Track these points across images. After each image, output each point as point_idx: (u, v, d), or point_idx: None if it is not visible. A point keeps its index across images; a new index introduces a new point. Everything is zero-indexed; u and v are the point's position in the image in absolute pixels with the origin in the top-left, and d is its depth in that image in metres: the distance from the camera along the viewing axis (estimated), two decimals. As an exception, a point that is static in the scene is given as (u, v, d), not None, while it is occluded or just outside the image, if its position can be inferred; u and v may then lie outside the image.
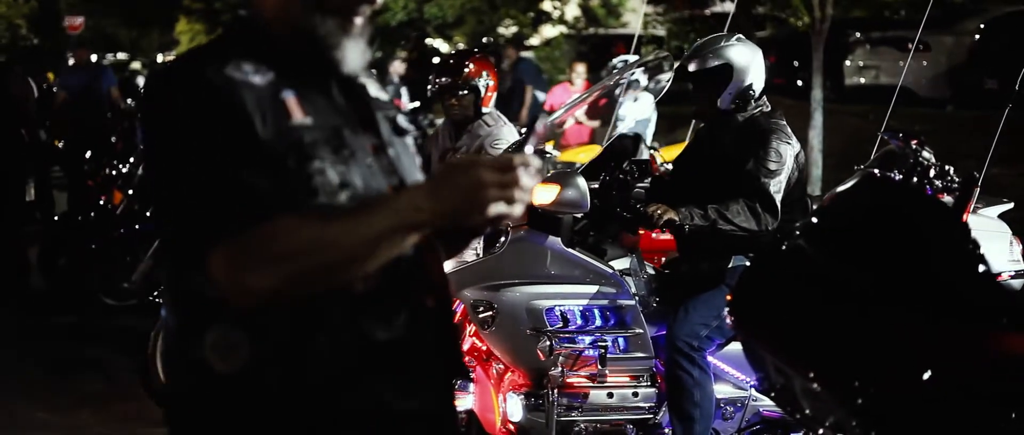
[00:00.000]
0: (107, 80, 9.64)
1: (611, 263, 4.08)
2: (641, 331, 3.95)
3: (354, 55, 1.73)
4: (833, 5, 9.73)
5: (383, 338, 1.67)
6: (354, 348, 1.65)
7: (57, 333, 5.87)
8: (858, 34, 12.78)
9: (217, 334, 1.63)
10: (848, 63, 12.93)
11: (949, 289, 1.75)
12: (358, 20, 1.72)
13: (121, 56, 35.08)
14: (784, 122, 3.97)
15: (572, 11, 18.95)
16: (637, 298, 4.02)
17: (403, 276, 1.69)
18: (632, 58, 8.85)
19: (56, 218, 6.90)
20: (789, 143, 3.88)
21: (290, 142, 1.61)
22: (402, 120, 1.87)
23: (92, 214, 6.35)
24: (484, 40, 20.09)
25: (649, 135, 9.06)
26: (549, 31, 19.93)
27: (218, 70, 1.62)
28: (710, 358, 3.91)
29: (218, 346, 1.63)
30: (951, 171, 5.14)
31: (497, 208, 1.54)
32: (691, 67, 4.02)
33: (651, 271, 4.23)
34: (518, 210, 1.60)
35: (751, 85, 3.96)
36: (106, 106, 9.49)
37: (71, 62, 10.04)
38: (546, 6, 18.89)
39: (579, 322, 3.91)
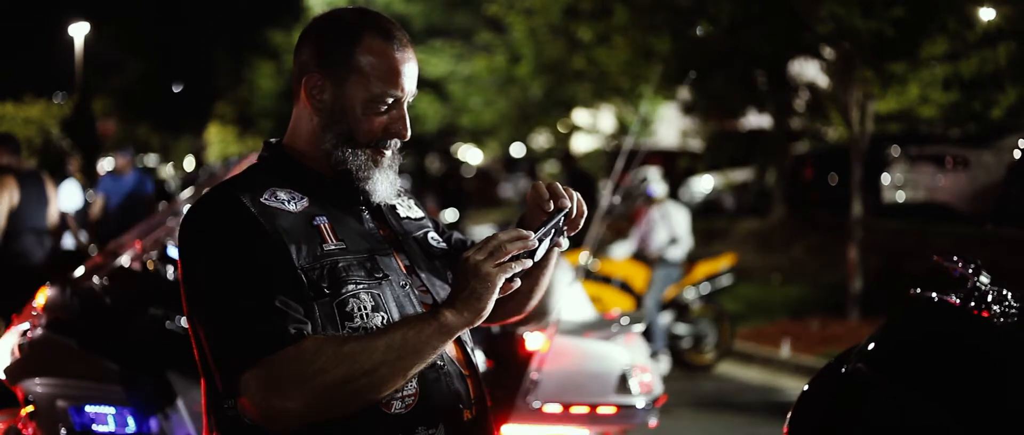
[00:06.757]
0: (147, 187, 9.70)
1: None
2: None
3: (384, 186, 1.81)
4: (872, 120, 9.72)
5: None
6: None
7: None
8: (896, 149, 12.75)
9: None
10: (886, 179, 12.87)
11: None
12: (387, 153, 1.81)
13: (150, 160, 35.47)
14: None
15: (606, 122, 19.08)
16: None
17: (440, 393, 1.72)
18: (651, 171, 8.79)
19: None
20: None
21: (324, 267, 1.67)
22: (433, 238, 1.94)
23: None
24: (511, 147, 20.19)
25: None
26: (583, 142, 20.07)
27: (254, 198, 1.70)
28: None
29: None
30: (1009, 296, 5.00)
31: (501, 278, 1.64)
32: None
33: None
34: (514, 268, 1.66)
35: None
36: (147, 212, 9.47)
37: (110, 168, 10.07)
38: (580, 118, 19.03)
39: (112, 427, 3.64)
